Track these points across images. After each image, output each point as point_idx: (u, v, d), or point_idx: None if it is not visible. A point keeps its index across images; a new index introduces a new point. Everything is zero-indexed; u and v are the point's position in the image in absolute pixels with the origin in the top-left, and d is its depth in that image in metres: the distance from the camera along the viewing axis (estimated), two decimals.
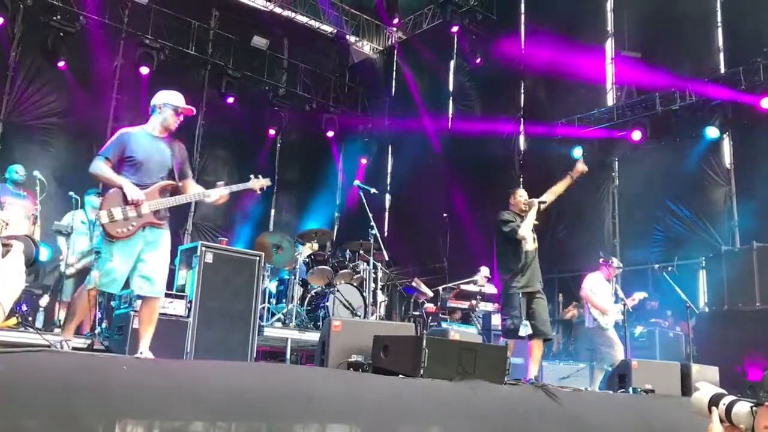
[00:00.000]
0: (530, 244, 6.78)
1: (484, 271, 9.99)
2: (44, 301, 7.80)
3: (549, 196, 7.06)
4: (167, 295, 6.20)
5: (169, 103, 4.95)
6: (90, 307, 4.78)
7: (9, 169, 7.84)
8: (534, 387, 4.49)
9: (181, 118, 5.00)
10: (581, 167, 7.13)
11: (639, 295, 8.63)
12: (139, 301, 4.94)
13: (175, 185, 4.92)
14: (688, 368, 6.26)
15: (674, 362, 6.67)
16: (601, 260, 8.71)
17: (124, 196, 4.60)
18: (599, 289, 8.40)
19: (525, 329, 6.39)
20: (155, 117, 4.96)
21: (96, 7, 12.47)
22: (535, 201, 6.93)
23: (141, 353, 4.58)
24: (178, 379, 2.98)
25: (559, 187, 7.14)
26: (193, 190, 5.06)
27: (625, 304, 8.24)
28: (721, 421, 2.08)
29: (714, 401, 2.13)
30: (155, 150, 4.86)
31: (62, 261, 7.94)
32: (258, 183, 5.29)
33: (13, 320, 6.95)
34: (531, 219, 6.79)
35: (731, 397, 2.10)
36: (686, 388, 6.10)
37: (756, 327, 7.95)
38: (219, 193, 5.05)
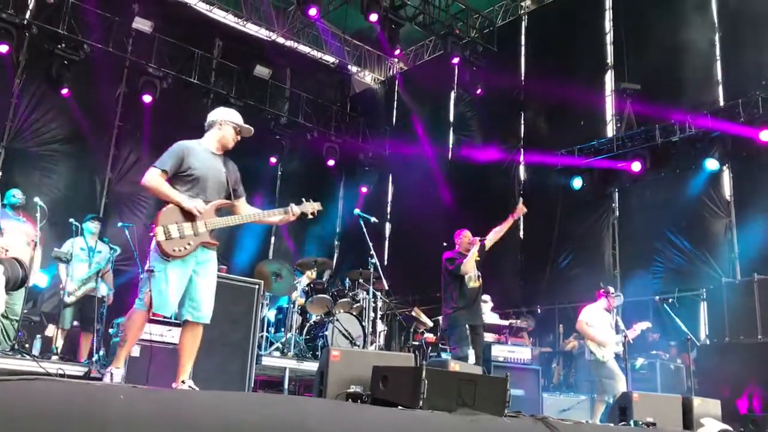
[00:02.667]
0: (473, 281, 7.37)
1: (485, 298, 9.96)
2: (49, 330, 7.74)
3: (493, 236, 7.63)
4: (166, 323, 6.19)
5: (231, 120, 4.84)
6: (140, 331, 4.49)
7: (7, 194, 7.77)
8: (534, 419, 4.43)
9: (239, 137, 4.87)
10: (521, 209, 7.70)
11: (641, 326, 8.56)
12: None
13: (231, 204, 4.71)
14: (689, 401, 6.18)
15: (676, 395, 6.60)
16: (600, 290, 8.67)
17: (181, 212, 4.39)
18: (596, 320, 8.34)
19: (471, 357, 6.96)
20: (213, 133, 4.80)
21: (100, 36, 12.59)
22: (477, 239, 7.46)
23: (183, 383, 4.39)
24: (175, 408, 2.95)
25: (502, 229, 7.67)
26: (246, 211, 4.83)
27: (625, 336, 8.18)
28: None
29: None
30: (213, 167, 4.67)
31: (62, 289, 7.91)
32: (311, 207, 5.02)
33: None
34: (473, 256, 7.31)
35: None
36: (688, 421, 6.03)
37: (758, 360, 7.89)
38: (285, 212, 4.85)
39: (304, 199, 5.01)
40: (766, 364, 7.75)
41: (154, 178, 4.46)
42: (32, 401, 2.53)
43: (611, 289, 8.69)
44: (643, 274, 11.85)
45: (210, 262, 4.58)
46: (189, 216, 4.43)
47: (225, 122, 4.82)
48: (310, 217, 5.02)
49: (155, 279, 4.34)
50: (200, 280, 4.50)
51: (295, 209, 4.89)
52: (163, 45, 13.40)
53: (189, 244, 4.38)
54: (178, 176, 4.53)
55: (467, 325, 7.11)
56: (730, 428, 1.83)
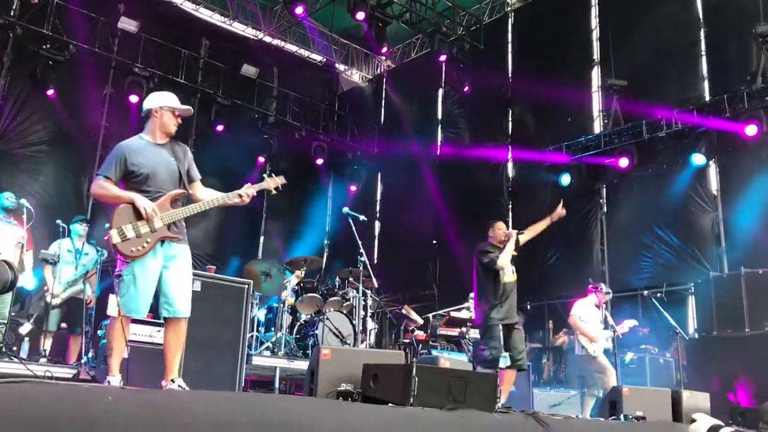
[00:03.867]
0: (509, 275, 7.08)
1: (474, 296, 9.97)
2: (25, 328, 7.65)
3: (529, 233, 7.45)
4: (155, 324, 6.16)
5: (166, 105, 4.65)
6: (124, 337, 4.35)
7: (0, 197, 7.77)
8: (525, 415, 4.45)
9: (179, 118, 4.71)
10: (561, 211, 7.51)
11: (629, 323, 8.61)
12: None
13: (186, 193, 4.59)
14: (678, 395, 6.23)
15: (665, 389, 6.65)
16: (590, 286, 8.72)
17: (134, 211, 4.29)
18: (588, 315, 8.39)
19: (504, 361, 6.66)
20: (152, 122, 4.63)
21: (86, 36, 12.50)
22: (514, 233, 7.25)
23: (173, 381, 4.32)
24: (164, 409, 2.94)
25: (539, 226, 7.54)
26: (204, 194, 4.71)
27: (615, 331, 8.23)
28: None
29: None
30: (159, 159, 4.53)
31: (47, 291, 7.85)
32: (273, 182, 4.96)
33: None
34: (510, 250, 7.09)
35: (729, 429, 2.10)
36: (677, 414, 6.07)
37: (745, 352, 7.95)
38: (242, 192, 4.75)
39: (265, 175, 4.99)
40: (754, 356, 7.81)
41: (99, 185, 4.40)
42: (20, 404, 2.52)
43: (601, 285, 8.72)
44: (631, 269, 11.91)
45: (180, 256, 4.48)
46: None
47: (160, 108, 4.63)
48: (274, 192, 4.98)
49: (123, 283, 4.30)
50: (170, 275, 4.40)
51: (250, 189, 4.81)
52: (149, 45, 13.33)
53: (147, 242, 4.29)
54: (128, 178, 4.44)
55: (501, 325, 6.76)
56: (721, 422, 1.85)
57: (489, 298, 6.89)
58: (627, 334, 8.66)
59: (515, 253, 7.10)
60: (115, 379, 4.33)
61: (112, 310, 4.42)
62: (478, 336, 8.96)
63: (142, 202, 4.32)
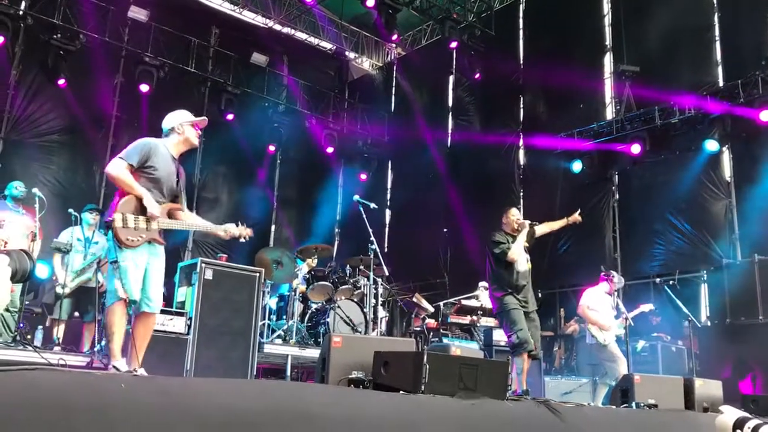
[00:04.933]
0: (523, 264, 6.92)
1: (483, 284, 9.96)
2: (48, 321, 7.75)
3: (544, 228, 7.33)
4: (167, 312, 6.20)
5: (187, 121, 4.96)
6: (124, 321, 4.56)
7: (9, 186, 7.79)
8: (536, 403, 4.44)
9: (200, 131, 5.02)
10: (577, 217, 7.41)
11: (645, 307, 8.55)
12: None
13: (180, 209, 4.92)
14: (691, 383, 6.20)
15: (677, 377, 6.61)
16: (601, 274, 8.67)
17: (139, 205, 4.55)
18: (598, 304, 8.34)
19: (531, 343, 6.53)
20: (174, 138, 4.93)
21: (96, 26, 12.52)
22: (527, 223, 7.08)
23: (135, 370, 4.48)
24: (177, 396, 2.95)
25: (555, 225, 7.46)
26: (188, 219, 5.02)
27: (626, 319, 8.18)
28: None
29: (739, 425, 2.10)
30: (170, 170, 4.83)
31: (56, 280, 7.89)
32: (244, 231, 5.26)
33: None
34: (521, 241, 6.94)
35: (756, 421, 2.08)
36: (689, 402, 6.05)
37: (759, 340, 7.91)
38: (226, 229, 5.15)
39: (239, 222, 5.29)
40: (767, 344, 7.77)
41: (120, 169, 4.58)
42: (34, 391, 2.53)
43: (613, 273, 8.68)
44: (644, 256, 11.85)
45: (160, 257, 4.76)
46: (145, 210, 4.58)
47: (182, 125, 4.93)
48: (242, 240, 5.28)
49: (120, 269, 4.49)
50: (153, 274, 4.67)
51: (232, 230, 5.17)
52: (160, 34, 13.33)
53: (141, 236, 4.55)
54: (140, 171, 4.65)
55: (521, 309, 6.69)
56: (748, 415, 1.84)
57: (504, 287, 6.81)
58: (638, 318, 8.61)
59: (527, 244, 6.99)
60: (120, 363, 4.48)
61: (113, 295, 4.53)
62: (494, 325, 8.99)
63: (149, 203, 4.57)
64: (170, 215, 4.86)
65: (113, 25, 12.79)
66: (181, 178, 4.96)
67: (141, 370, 4.53)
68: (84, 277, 7.97)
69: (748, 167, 11.02)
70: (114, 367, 4.45)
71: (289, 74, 16.28)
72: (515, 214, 7.16)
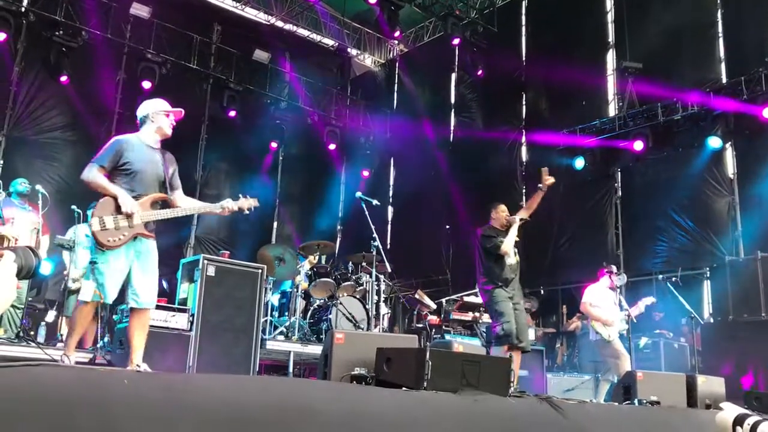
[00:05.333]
0: (512, 258, 7.03)
1: None
2: (50, 316, 7.76)
3: (525, 213, 7.37)
4: (169, 309, 6.21)
5: (160, 110, 4.94)
6: (91, 321, 4.70)
7: (14, 183, 7.83)
8: (539, 399, 4.44)
9: (174, 122, 4.98)
10: (548, 179, 7.29)
11: (646, 301, 8.51)
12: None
13: (166, 198, 4.88)
14: (693, 379, 6.20)
15: (679, 373, 6.61)
16: (602, 269, 8.62)
17: (117, 205, 4.56)
18: (600, 300, 8.32)
19: (520, 335, 6.67)
20: (148, 126, 4.91)
21: (98, 22, 12.51)
22: (516, 218, 7.18)
23: (138, 366, 4.54)
24: (179, 393, 2.95)
25: (533, 203, 7.43)
26: (184, 203, 4.99)
27: (629, 315, 8.16)
28: None
29: (739, 421, 2.11)
30: (150, 160, 4.80)
31: (66, 276, 7.91)
32: (247, 203, 5.20)
33: (1, 331, 6.93)
34: (513, 235, 7.04)
35: (756, 417, 2.08)
36: (692, 399, 6.05)
37: (761, 337, 7.90)
38: (224, 205, 5.06)
39: (241, 195, 5.22)
40: None
41: (92, 173, 4.62)
42: (37, 387, 2.54)
43: (614, 268, 8.64)
44: (646, 253, 11.85)
45: (149, 251, 4.75)
46: None
47: (155, 113, 4.92)
48: (246, 212, 5.22)
49: (96, 270, 4.53)
50: (139, 269, 4.67)
51: (230, 205, 5.10)
52: (162, 30, 13.32)
53: (123, 235, 4.55)
54: (117, 170, 4.68)
55: (510, 302, 6.79)
56: (749, 411, 1.84)
57: (494, 280, 6.91)
58: (642, 316, 8.58)
59: (518, 239, 7.09)
60: (71, 358, 4.61)
61: (85, 295, 4.61)
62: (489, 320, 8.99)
63: (124, 199, 4.57)
64: (164, 205, 4.86)
65: (115, 22, 12.78)
66: (169, 163, 4.92)
67: (144, 366, 4.57)
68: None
69: (751, 164, 11.00)
70: (62, 357, 4.59)
71: (292, 71, 16.27)
72: (505, 211, 7.27)
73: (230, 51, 14.70)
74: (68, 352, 4.65)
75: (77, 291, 7.95)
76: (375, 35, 17.95)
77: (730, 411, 2.16)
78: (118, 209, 4.56)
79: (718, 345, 8.53)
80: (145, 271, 4.70)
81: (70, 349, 4.67)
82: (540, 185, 7.29)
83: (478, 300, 9.59)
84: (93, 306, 4.63)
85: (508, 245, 6.94)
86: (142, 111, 4.97)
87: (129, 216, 4.55)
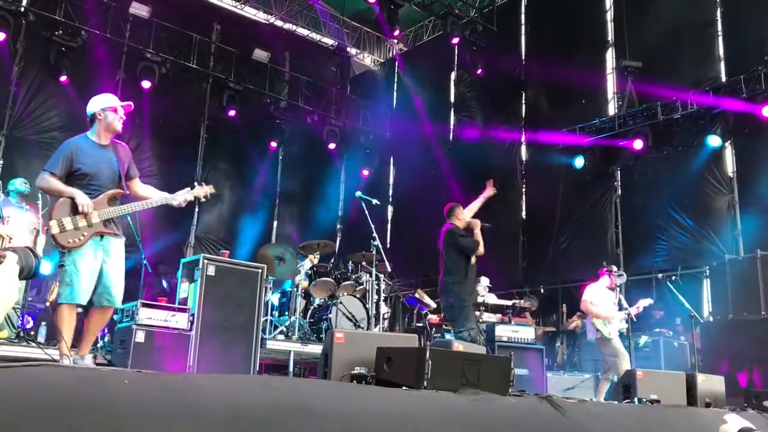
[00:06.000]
0: (473, 259, 7.28)
1: (484, 281, 9.97)
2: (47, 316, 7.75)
3: (468, 213, 7.71)
4: (170, 309, 6.21)
5: (107, 106, 4.91)
6: (72, 322, 4.63)
7: (11, 182, 7.83)
8: (539, 398, 4.45)
9: (123, 116, 4.96)
10: (491, 191, 7.97)
11: (644, 302, 8.51)
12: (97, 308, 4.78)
13: (123, 193, 4.88)
14: (693, 378, 6.20)
15: (679, 372, 6.61)
16: (602, 269, 8.63)
17: (74, 205, 4.57)
18: (600, 299, 8.32)
19: (482, 339, 6.94)
20: (98, 124, 4.91)
21: (98, 22, 12.51)
22: (478, 222, 7.40)
23: (83, 358, 4.61)
24: (179, 392, 2.95)
25: (474, 206, 7.90)
26: (143, 191, 4.99)
27: (629, 314, 8.16)
28: None
29: None
30: (103, 160, 4.82)
31: None
32: (203, 190, 5.14)
33: (5, 332, 6.91)
34: (480, 238, 7.30)
35: None
36: (692, 398, 6.05)
37: (761, 336, 7.90)
38: (178, 197, 4.99)
39: (196, 183, 5.17)
40: None
41: (44, 180, 4.67)
42: (37, 387, 2.54)
43: (614, 268, 8.65)
44: (646, 252, 11.84)
45: (116, 250, 4.78)
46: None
47: (103, 110, 4.90)
48: (203, 200, 5.17)
49: (65, 272, 4.54)
50: (110, 268, 4.70)
51: (188, 195, 5.04)
52: (161, 30, 13.32)
53: (84, 235, 4.58)
54: (72, 176, 4.71)
55: (472, 305, 6.99)
56: (752, 426, 1.84)
57: (462, 280, 7.04)
58: (641, 314, 8.59)
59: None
60: (67, 361, 4.54)
61: (60, 297, 4.61)
62: (496, 320, 9.03)
63: (81, 198, 4.59)
64: (125, 200, 4.89)
65: (115, 22, 12.79)
66: (124, 157, 4.92)
67: (88, 358, 4.66)
68: None
69: (750, 163, 11.00)
70: (66, 358, 4.55)
71: (291, 70, 16.28)
72: (464, 213, 7.54)
73: (230, 50, 14.70)
74: (62, 359, 4.55)
75: None
76: (374, 34, 17.95)
77: (733, 423, 2.17)
78: (75, 210, 4.57)
79: (718, 343, 8.53)
80: (114, 271, 4.73)
81: (63, 354, 4.60)
82: (483, 192, 7.80)
83: (479, 299, 9.60)
84: (70, 308, 4.59)
85: (481, 247, 7.16)
86: (90, 108, 4.95)
87: (86, 215, 4.56)
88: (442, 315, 9.70)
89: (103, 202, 4.70)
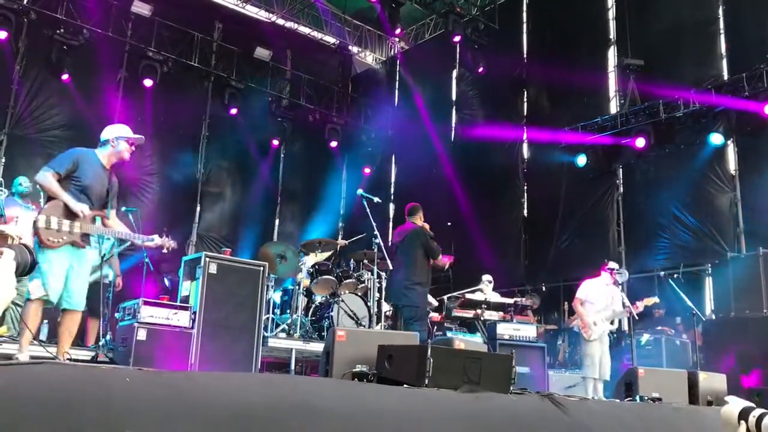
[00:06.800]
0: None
1: (487, 278, 9.97)
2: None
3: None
4: (171, 307, 6.22)
5: (122, 136, 5.26)
6: (37, 319, 4.87)
7: (14, 182, 7.85)
8: (540, 396, 4.45)
9: (133, 148, 5.31)
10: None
11: (648, 301, 8.44)
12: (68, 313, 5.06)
13: (104, 216, 5.22)
14: (695, 376, 6.21)
15: (681, 370, 6.61)
16: (603, 265, 8.60)
17: (65, 210, 4.86)
18: (595, 296, 8.31)
19: None
20: (107, 149, 5.24)
21: (100, 20, 12.52)
22: (427, 225, 7.59)
23: (60, 359, 4.77)
24: (181, 390, 2.96)
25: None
26: (113, 224, 5.31)
27: (630, 312, 8.14)
28: None
29: (744, 414, 2.12)
30: (100, 179, 5.15)
31: None
32: (168, 242, 5.49)
33: (4, 329, 6.92)
34: None
35: (761, 410, 2.09)
36: (693, 396, 6.05)
37: (763, 334, 7.88)
38: (146, 241, 5.40)
39: (165, 234, 5.58)
40: None
41: (45, 177, 4.93)
42: (40, 385, 2.54)
43: (614, 265, 8.60)
44: (648, 250, 11.83)
45: (84, 259, 5.07)
46: (70, 216, 4.92)
47: (117, 139, 5.24)
48: (165, 251, 5.53)
49: (41, 269, 4.72)
50: (75, 275, 4.97)
51: (148, 244, 5.47)
52: (163, 28, 13.33)
53: (62, 238, 4.88)
54: (68, 179, 5.00)
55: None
56: (753, 405, 1.85)
57: (425, 282, 7.13)
58: (644, 312, 8.56)
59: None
60: (24, 356, 4.73)
61: (28, 293, 4.82)
62: (497, 318, 9.00)
63: (77, 205, 4.91)
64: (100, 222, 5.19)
65: (116, 20, 12.80)
66: (113, 187, 5.29)
67: (23, 355, 4.73)
68: (98, 273, 7.99)
69: (753, 161, 10.98)
70: (16, 358, 4.68)
71: (293, 69, 16.27)
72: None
73: (231, 49, 14.70)
74: (20, 353, 4.77)
75: None
76: (376, 33, 17.94)
77: (735, 404, 2.17)
78: (65, 215, 4.87)
79: (720, 341, 8.51)
80: (79, 277, 5.00)
81: (21, 348, 4.81)
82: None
83: (480, 297, 9.60)
84: (39, 304, 4.81)
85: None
86: (105, 134, 5.29)
87: (73, 223, 4.86)
88: (397, 316, 9.53)
89: (90, 218, 5.04)
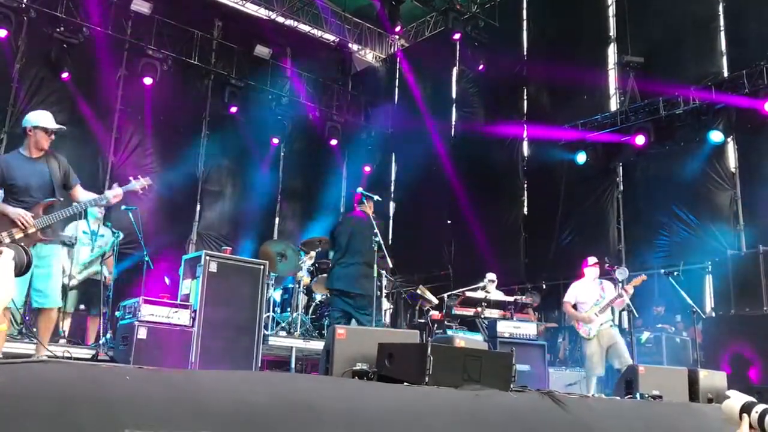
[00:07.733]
0: None
1: (491, 276, 9.96)
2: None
3: None
4: (172, 305, 6.22)
5: (38, 125, 5.24)
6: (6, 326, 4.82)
7: None
8: (540, 394, 4.45)
9: (53, 136, 5.28)
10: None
11: (637, 281, 8.25)
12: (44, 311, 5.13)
13: (57, 202, 5.13)
14: (695, 374, 6.20)
15: (681, 368, 6.61)
16: (585, 262, 8.56)
17: (9, 220, 4.83)
18: (584, 296, 8.28)
19: None
20: (28, 139, 5.22)
21: (99, 19, 12.51)
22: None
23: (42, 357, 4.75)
24: (181, 389, 2.96)
25: None
26: (83, 196, 5.31)
27: (622, 296, 8.06)
28: (752, 428, 2.08)
29: (746, 409, 2.13)
30: (33, 172, 5.10)
31: (64, 273, 7.91)
32: (139, 183, 5.43)
33: (4, 327, 6.92)
34: None
35: (764, 406, 2.09)
36: (694, 393, 6.05)
37: (763, 331, 7.88)
38: (113, 194, 5.33)
39: (131, 178, 5.48)
40: None
41: None
42: (39, 383, 2.55)
43: (593, 259, 8.51)
44: (648, 247, 11.83)
45: (50, 254, 5.10)
46: (12, 223, 4.87)
47: (33, 129, 5.24)
48: (140, 192, 5.47)
49: None
50: (41, 273, 4.99)
51: (118, 191, 5.39)
52: (163, 26, 13.32)
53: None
54: (7, 191, 5.03)
55: None
56: (755, 400, 1.86)
57: (373, 272, 7.03)
58: (643, 312, 8.55)
59: None
60: None
61: None
62: (498, 316, 8.98)
63: (14, 212, 4.86)
64: (55, 209, 5.11)
65: (116, 18, 12.79)
66: (57, 169, 5.20)
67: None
68: (92, 269, 8.00)
69: (753, 158, 10.98)
70: None
71: (293, 67, 16.24)
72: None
73: (231, 47, 14.70)
74: None
75: (76, 287, 7.98)
76: (376, 30, 17.92)
77: (736, 399, 2.17)
78: (10, 224, 4.83)
79: (720, 339, 8.51)
80: (47, 275, 5.02)
81: None
82: None
83: (480, 295, 9.59)
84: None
85: None
86: (24, 123, 5.32)
87: (26, 227, 4.82)
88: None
89: (38, 212, 4.96)
